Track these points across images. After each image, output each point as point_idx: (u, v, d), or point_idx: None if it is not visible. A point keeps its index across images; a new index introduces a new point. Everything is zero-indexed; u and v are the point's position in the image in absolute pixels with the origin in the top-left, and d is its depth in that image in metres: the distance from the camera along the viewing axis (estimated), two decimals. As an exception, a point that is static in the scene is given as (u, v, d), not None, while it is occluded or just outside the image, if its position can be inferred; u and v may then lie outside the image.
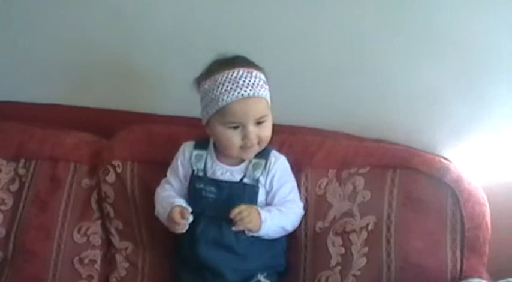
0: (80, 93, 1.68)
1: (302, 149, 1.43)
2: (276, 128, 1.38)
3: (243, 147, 1.30)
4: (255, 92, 1.27)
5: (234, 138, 1.29)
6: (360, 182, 1.37)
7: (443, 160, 1.39)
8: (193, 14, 1.56)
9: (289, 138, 1.45)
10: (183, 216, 1.28)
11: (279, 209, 1.31)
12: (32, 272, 1.48)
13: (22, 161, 1.56)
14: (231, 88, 1.26)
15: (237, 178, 1.33)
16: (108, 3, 1.61)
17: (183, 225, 1.29)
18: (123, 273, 1.49)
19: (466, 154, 1.45)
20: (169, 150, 1.42)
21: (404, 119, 1.48)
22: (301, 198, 1.39)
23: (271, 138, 1.39)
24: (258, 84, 1.28)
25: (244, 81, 1.27)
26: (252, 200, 1.31)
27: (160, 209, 1.35)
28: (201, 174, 1.35)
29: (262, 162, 1.33)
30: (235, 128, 1.29)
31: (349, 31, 1.47)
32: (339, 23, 1.47)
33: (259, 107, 1.28)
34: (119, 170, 1.49)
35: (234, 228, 1.27)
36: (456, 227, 1.31)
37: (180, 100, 1.42)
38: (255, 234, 1.28)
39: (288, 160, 1.39)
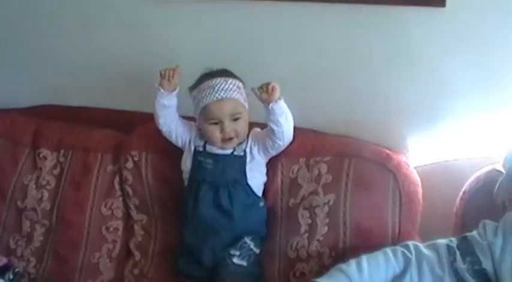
0: (106, 98, 1.84)
1: (280, 142, 1.54)
2: (260, 126, 1.56)
3: (224, 140, 1.50)
4: (227, 94, 1.47)
5: (215, 132, 1.50)
6: (324, 167, 1.54)
7: (388, 151, 1.56)
8: (192, 33, 1.75)
9: (270, 135, 1.56)
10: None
11: None
12: (70, 236, 1.67)
13: (62, 151, 1.74)
14: (209, 93, 1.48)
15: (229, 152, 1.53)
16: (130, 26, 1.81)
17: (168, 70, 1.51)
18: (139, 238, 1.67)
19: (411, 146, 1.64)
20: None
21: (368, 119, 1.65)
22: (278, 180, 1.57)
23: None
24: (231, 89, 1.48)
25: (219, 87, 1.48)
26: (241, 168, 1.50)
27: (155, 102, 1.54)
28: (201, 149, 1.53)
29: (244, 141, 1.53)
30: (215, 123, 1.49)
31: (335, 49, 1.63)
32: (320, 37, 1.62)
33: (230, 106, 1.48)
34: (135, 159, 1.67)
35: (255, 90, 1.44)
36: (396, 202, 1.49)
37: (184, 104, 1.56)
38: (275, 104, 1.43)
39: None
